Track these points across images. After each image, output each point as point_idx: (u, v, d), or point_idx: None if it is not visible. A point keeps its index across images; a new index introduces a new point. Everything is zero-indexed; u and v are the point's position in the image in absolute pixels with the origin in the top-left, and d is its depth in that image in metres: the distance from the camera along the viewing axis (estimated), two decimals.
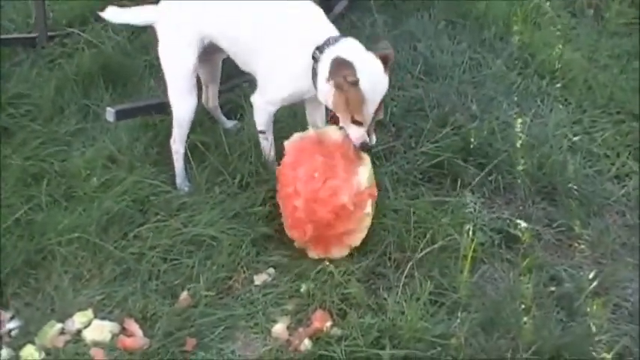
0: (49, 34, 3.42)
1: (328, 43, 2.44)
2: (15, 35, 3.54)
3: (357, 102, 2.35)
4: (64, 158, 2.84)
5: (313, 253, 2.49)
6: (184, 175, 2.74)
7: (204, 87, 2.86)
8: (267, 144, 2.67)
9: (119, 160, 2.77)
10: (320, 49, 2.43)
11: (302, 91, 2.55)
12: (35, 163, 2.79)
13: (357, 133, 2.41)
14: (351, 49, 2.42)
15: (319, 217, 2.41)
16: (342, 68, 2.32)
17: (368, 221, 2.44)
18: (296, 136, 2.56)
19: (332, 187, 2.42)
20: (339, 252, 2.47)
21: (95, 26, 3.43)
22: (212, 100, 2.92)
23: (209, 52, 2.68)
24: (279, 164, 2.57)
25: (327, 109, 2.61)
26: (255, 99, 2.63)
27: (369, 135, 2.42)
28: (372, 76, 2.37)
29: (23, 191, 2.68)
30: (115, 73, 3.19)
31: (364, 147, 2.43)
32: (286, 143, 2.55)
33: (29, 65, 3.31)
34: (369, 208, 2.43)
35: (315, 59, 2.43)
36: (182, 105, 2.65)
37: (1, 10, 3.70)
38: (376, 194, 2.48)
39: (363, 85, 2.33)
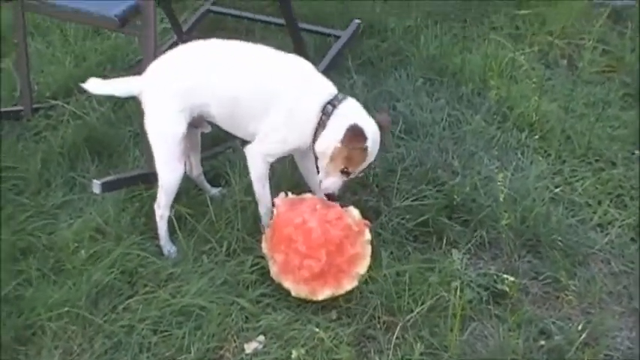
0: (34, 106, 3.47)
1: (337, 99, 2.62)
2: (0, 109, 3.58)
3: (357, 161, 2.60)
4: (52, 231, 2.85)
5: (325, 292, 2.51)
6: (168, 239, 2.76)
7: (187, 158, 2.89)
8: (266, 198, 2.72)
9: (106, 232, 2.79)
10: (332, 104, 2.60)
11: (304, 143, 2.66)
12: (23, 237, 2.82)
13: (335, 182, 2.63)
14: (359, 113, 2.65)
15: (332, 236, 2.53)
16: (358, 138, 2.54)
17: (369, 249, 2.58)
18: (281, 195, 2.68)
19: (337, 212, 2.62)
20: (349, 283, 2.53)
21: (79, 97, 3.47)
22: (195, 168, 2.95)
23: (194, 123, 2.72)
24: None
25: None
26: (252, 149, 2.68)
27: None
28: (375, 142, 2.62)
29: (12, 266, 2.69)
30: (100, 143, 3.23)
31: (332, 196, 2.66)
32: (275, 199, 2.67)
33: (15, 138, 3.35)
34: (368, 236, 2.59)
35: (326, 114, 2.59)
36: (169, 174, 2.68)
37: None
38: (370, 225, 2.65)
39: (369, 149, 2.58)
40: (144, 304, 2.52)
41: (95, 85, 2.76)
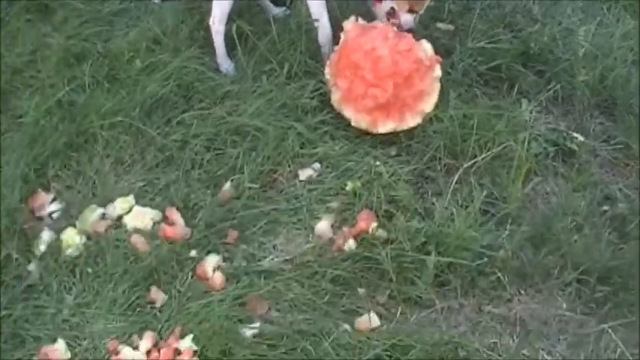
0: None
1: None
2: None
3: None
4: (107, 38, 2.76)
5: (386, 125, 2.41)
6: (226, 56, 2.66)
7: None
8: (326, 24, 2.59)
9: (163, 43, 2.68)
10: None
11: None
12: (77, 43, 2.72)
13: (409, 20, 2.53)
14: None
15: (402, 68, 2.39)
16: None
17: (438, 86, 2.45)
18: (351, 19, 2.55)
19: (409, 43, 2.46)
20: (413, 120, 2.42)
21: None
22: None
23: None
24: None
25: None
26: None
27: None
28: None
29: (65, 71, 2.62)
30: None
31: (410, 30, 2.52)
32: (345, 23, 2.53)
33: None
34: (438, 72, 2.46)
35: None
36: None
37: None
38: (441, 60, 2.50)
39: None
40: (198, 120, 2.45)
41: None
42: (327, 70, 2.50)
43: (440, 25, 2.74)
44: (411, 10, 2.52)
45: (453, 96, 2.53)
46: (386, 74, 2.38)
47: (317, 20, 2.56)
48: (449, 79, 2.61)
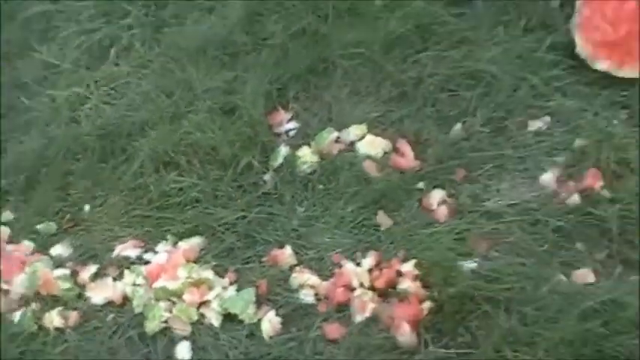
0: None
1: None
2: None
3: None
4: None
5: (603, 63, 2.45)
6: None
7: None
8: None
9: None
10: None
11: None
12: None
13: None
14: None
15: None
16: None
17: None
18: None
19: None
20: (630, 70, 2.42)
21: None
22: None
23: None
24: None
25: None
26: None
27: None
28: None
29: (309, 1, 2.78)
30: None
31: None
32: None
33: None
34: None
35: None
36: None
37: None
38: None
39: None
40: (434, 61, 2.54)
41: None
42: None
43: None
44: None
45: None
46: (625, 17, 2.41)
47: None
48: None
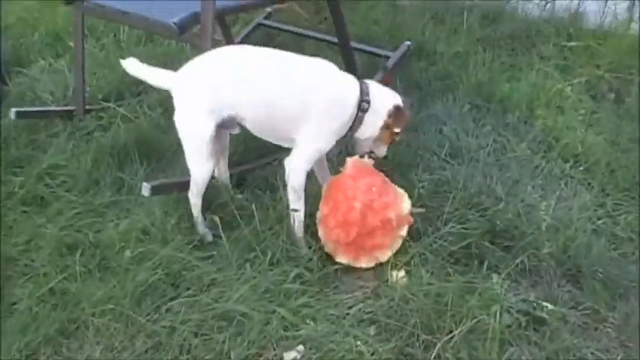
0: (86, 107, 3.55)
1: (365, 91, 2.78)
2: (53, 108, 3.67)
3: (402, 130, 2.89)
4: (99, 229, 2.91)
5: (342, 258, 2.77)
6: (203, 223, 2.87)
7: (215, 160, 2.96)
8: (301, 212, 2.77)
9: (152, 234, 2.83)
10: (364, 100, 2.76)
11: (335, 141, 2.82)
12: (70, 234, 2.88)
13: (384, 151, 2.95)
14: (388, 92, 2.87)
15: (368, 222, 2.73)
16: (404, 117, 2.85)
17: (399, 243, 2.79)
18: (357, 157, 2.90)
19: (385, 202, 2.77)
20: (366, 263, 2.78)
21: (131, 101, 3.56)
22: (224, 171, 3.04)
23: (223, 125, 2.77)
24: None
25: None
26: (293, 161, 2.74)
27: None
28: None
29: (58, 261, 2.75)
30: (150, 147, 3.29)
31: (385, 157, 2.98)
32: (349, 159, 2.87)
33: (66, 137, 3.43)
34: (404, 232, 2.79)
35: (362, 109, 2.77)
36: (199, 170, 2.77)
37: (40, 82, 3.84)
38: (412, 222, 2.82)
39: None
40: (186, 307, 2.55)
41: (132, 65, 2.84)
42: (324, 188, 2.87)
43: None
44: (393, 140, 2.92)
45: (426, 275, 2.68)
46: (353, 222, 2.72)
47: (294, 210, 2.75)
48: (423, 258, 2.77)
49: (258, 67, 2.73)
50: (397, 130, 2.85)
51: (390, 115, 2.81)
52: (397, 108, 2.82)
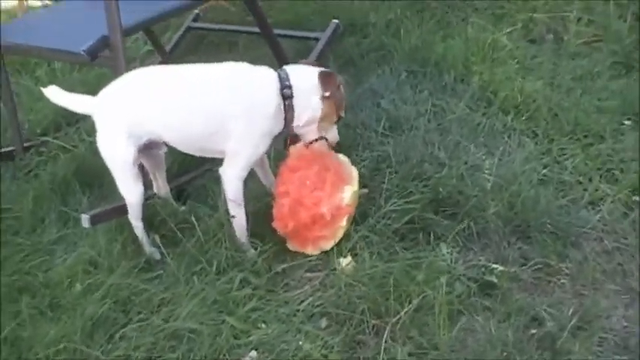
0: (25, 144, 3.53)
1: (285, 78, 2.70)
2: None
3: (342, 101, 2.81)
4: (48, 268, 2.90)
5: (291, 245, 2.82)
6: (149, 243, 2.87)
7: (152, 177, 2.97)
8: (242, 219, 2.76)
9: (99, 263, 2.82)
10: (285, 87, 2.68)
11: (271, 137, 2.75)
12: (20, 277, 2.86)
13: (335, 134, 2.85)
14: (306, 69, 2.77)
15: (300, 217, 2.74)
16: (332, 79, 2.74)
17: (341, 232, 2.77)
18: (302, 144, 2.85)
19: (317, 197, 2.75)
20: (311, 251, 2.80)
21: (68, 131, 3.54)
22: (163, 188, 3.03)
23: (149, 146, 2.77)
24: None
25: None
26: (227, 170, 2.72)
27: None
28: None
29: (9, 307, 2.74)
30: (90, 174, 3.27)
31: (337, 144, 2.89)
32: (292, 148, 2.86)
33: (9, 179, 3.42)
34: (344, 222, 2.76)
35: (286, 97, 2.68)
36: (130, 193, 2.78)
37: None
38: (353, 212, 2.81)
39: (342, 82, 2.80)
40: (138, 332, 2.55)
41: (54, 93, 2.83)
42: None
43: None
44: (337, 120, 2.83)
45: (371, 257, 2.66)
46: (285, 217, 2.76)
47: (233, 217, 2.75)
48: (368, 241, 2.76)
49: (171, 89, 2.71)
50: (327, 93, 2.71)
51: (321, 82, 2.71)
52: (322, 73, 2.73)
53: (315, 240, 2.78)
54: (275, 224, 2.79)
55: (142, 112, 2.68)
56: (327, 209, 2.72)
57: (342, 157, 2.91)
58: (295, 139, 2.85)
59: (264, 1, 3.62)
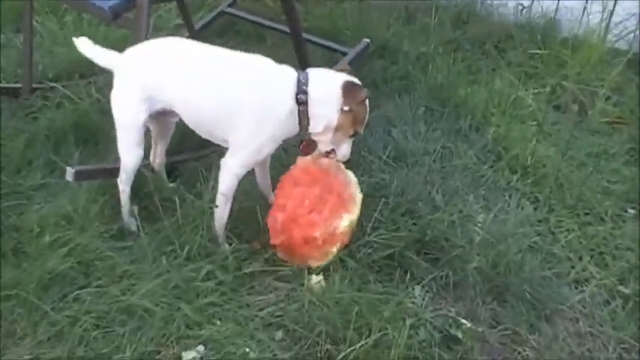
0: (33, 86, 3.49)
1: (303, 82, 2.55)
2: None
3: (363, 116, 2.65)
4: (22, 212, 2.87)
5: (281, 255, 2.76)
6: (130, 213, 2.84)
7: (153, 144, 2.93)
8: (224, 213, 2.71)
9: (74, 220, 2.78)
10: (302, 91, 2.54)
11: (280, 141, 2.67)
12: None
13: (348, 148, 2.70)
14: (333, 74, 2.63)
15: (292, 235, 2.69)
16: (356, 91, 2.57)
17: (330, 257, 2.70)
18: (314, 155, 2.74)
19: (312, 221, 2.68)
20: (300, 264, 2.72)
21: (79, 83, 3.50)
22: (159, 157, 2.99)
23: (162, 113, 2.73)
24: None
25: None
26: (228, 162, 2.66)
27: None
28: None
29: None
30: (88, 131, 3.25)
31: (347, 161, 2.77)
32: (300, 158, 2.79)
33: (9, 115, 3.38)
34: (334, 249, 2.69)
35: (301, 102, 2.55)
36: (129, 155, 2.73)
37: None
38: (347, 241, 2.74)
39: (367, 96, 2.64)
40: (93, 297, 2.52)
41: (83, 44, 2.78)
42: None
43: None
44: (353, 135, 2.66)
45: (342, 283, 2.61)
46: (277, 231, 2.72)
47: (216, 206, 2.70)
48: (343, 264, 2.71)
49: (194, 66, 2.65)
50: (347, 107, 2.54)
51: (343, 94, 2.54)
52: (347, 83, 2.56)
53: (304, 258, 2.71)
54: (270, 232, 2.74)
55: (162, 80, 2.64)
56: (319, 234, 2.66)
57: (351, 175, 2.81)
58: (311, 143, 2.68)
59: (303, 5, 3.60)
